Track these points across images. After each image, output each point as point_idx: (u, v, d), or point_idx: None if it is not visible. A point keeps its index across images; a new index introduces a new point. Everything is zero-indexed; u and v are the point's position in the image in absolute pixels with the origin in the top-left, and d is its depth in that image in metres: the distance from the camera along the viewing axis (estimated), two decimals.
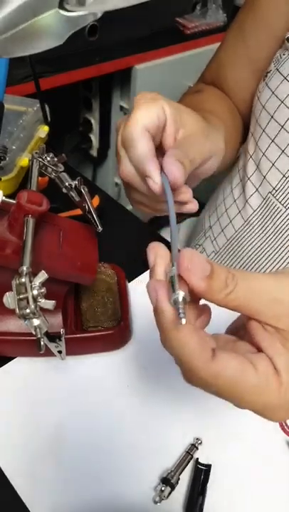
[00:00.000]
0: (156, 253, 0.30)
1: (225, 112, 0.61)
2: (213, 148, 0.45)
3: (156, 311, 0.27)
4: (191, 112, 0.44)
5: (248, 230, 0.63)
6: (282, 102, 0.53)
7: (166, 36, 1.32)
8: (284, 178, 0.57)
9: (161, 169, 0.39)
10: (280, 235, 0.59)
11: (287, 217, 0.57)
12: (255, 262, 0.62)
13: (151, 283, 0.28)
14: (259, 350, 0.28)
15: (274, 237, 0.60)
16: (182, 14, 1.37)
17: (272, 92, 0.54)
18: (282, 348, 0.27)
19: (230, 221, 0.65)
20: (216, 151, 0.46)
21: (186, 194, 0.40)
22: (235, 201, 0.66)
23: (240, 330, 0.32)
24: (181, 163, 0.38)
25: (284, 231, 0.58)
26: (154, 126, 0.40)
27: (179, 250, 0.29)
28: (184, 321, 0.25)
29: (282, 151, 0.55)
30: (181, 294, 0.26)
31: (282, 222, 0.58)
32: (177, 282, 0.27)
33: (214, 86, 0.68)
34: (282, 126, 0.54)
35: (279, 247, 0.59)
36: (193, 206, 0.42)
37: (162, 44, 1.27)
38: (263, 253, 0.61)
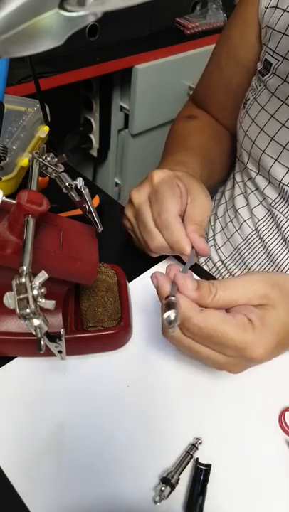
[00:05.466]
0: (158, 279, 0.39)
1: (210, 144, 0.69)
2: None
3: (158, 289, 0.39)
4: (193, 178, 0.52)
5: (257, 237, 0.64)
6: (261, 129, 0.58)
7: (166, 36, 1.32)
8: (280, 195, 0.59)
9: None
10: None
11: None
12: (269, 265, 0.63)
13: (154, 275, 0.39)
14: None
15: (283, 244, 0.60)
16: (182, 14, 1.37)
17: (253, 120, 0.60)
18: (254, 308, 0.39)
19: (237, 230, 0.66)
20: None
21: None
22: (237, 211, 0.66)
23: None
24: (202, 237, 0.47)
25: None
26: (181, 211, 0.48)
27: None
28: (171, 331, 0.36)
29: (268, 172, 0.59)
30: (172, 315, 0.35)
31: (287, 231, 0.59)
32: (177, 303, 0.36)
33: (202, 106, 0.77)
34: (263, 151, 0.58)
35: None
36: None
37: (162, 44, 1.28)
38: (276, 256, 0.61)
